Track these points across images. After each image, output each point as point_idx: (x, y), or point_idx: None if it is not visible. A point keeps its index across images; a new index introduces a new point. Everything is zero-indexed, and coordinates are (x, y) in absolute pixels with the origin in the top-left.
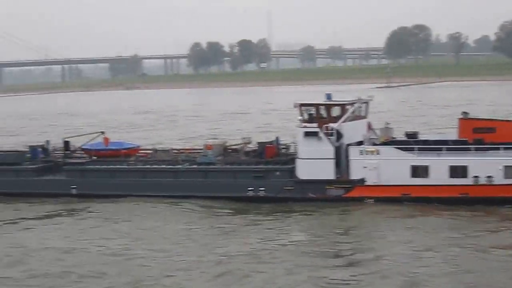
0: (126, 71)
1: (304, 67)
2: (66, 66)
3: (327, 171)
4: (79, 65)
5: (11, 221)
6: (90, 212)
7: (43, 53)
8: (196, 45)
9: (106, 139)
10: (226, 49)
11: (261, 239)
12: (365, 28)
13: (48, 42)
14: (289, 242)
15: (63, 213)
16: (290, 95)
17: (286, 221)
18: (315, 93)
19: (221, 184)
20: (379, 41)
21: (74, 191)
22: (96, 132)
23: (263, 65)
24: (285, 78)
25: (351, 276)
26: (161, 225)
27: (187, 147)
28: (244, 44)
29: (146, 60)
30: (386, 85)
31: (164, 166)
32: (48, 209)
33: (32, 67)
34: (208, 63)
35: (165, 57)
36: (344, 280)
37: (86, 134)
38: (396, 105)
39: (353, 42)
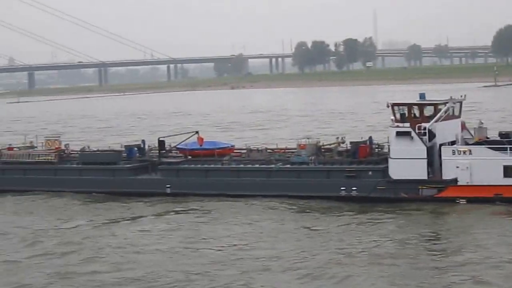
0: (231, 71)
1: (410, 66)
2: (171, 65)
3: (419, 171)
4: (184, 64)
5: (124, 219)
6: (199, 211)
7: (149, 53)
8: (302, 44)
9: (200, 139)
10: (332, 48)
11: (359, 239)
12: (472, 27)
13: (154, 42)
14: (389, 242)
15: (171, 212)
16: (396, 94)
17: (381, 220)
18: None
19: (314, 183)
20: (486, 40)
21: (168, 190)
22: (191, 132)
23: (369, 64)
24: (391, 77)
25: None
26: (277, 225)
27: (281, 147)
28: (350, 43)
29: (251, 60)
30: (493, 84)
31: (257, 166)
32: (157, 208)
33: (137, 67)
34: (313, 62)
35: (270, 57)
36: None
37: (181, 134)
38: (503, 104)
39: (459, 40)
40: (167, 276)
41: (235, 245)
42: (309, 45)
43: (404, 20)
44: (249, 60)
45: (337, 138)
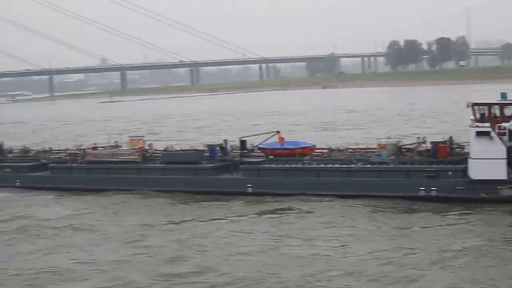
0: (323, 70)
1: (503, 65)
2: (263, 65)
3: (499, 171)
4: (276, 64)
5: (216, 219)
6: (287, 211)
7: (241, 53)
8: (394, 43)
9: (281, 139)
10: (424, 47)
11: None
12: None
13: (246, 42)
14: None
15: (257, 212)
16: (490, 93)
17: (466, 220)
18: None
19: (393, 183)
20: None
21: (249, 190)
22: (272, 132)
23: (462, 63)
24: (484, 76)
25: None
26: (365, 225)
27: (362, 147)
28: (442, 42)
29: (343, 59)
30: None
31: (337, 166)
32: (244, 207)
33: (229, 67)
34: (406, 61)
35: (362, 56)
36: None
37: (262, 134)
38: None
39: None
40: (279, 276)
41: (332, 245)
42: (402, 44)
43: (498, 19)
44: (341, 59)
45: (418, 138)
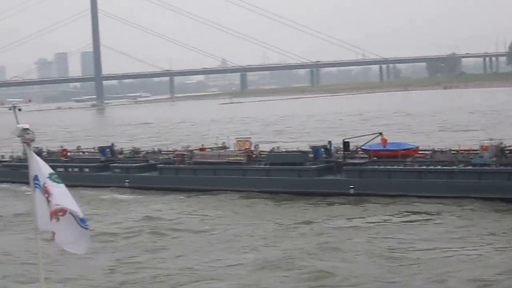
0: (444, 70)
1: None
2: (383, 65)
3: None
4: (396, 64)
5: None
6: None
7: (361, 53)
8: None
9: (384, 140)
10: None
11: None
12: None
13: (366, 42)
14: None
15: (379, 214)
16: None
17: None
18: None
19: (495, 185)
20: None
21: (351, 191)
22: (375, 133)
23: None
24: None
25: None
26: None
27: (465, 148)
28: None
29: (464, 59)
30: None
31: (438, 167)
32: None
33: (349, 67)
34: None
35: (484, 56)
36: None
37: (365, 135)
38: None
39: None
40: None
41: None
42: None
43: None
44: (462, 59)
45: None
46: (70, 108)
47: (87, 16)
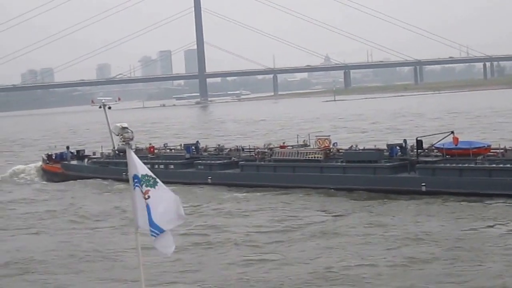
0: None
1: None
2: (487, 63)
3: None
4: (501, 62)
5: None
6: None
7: (464, 51)
8: None
9: (455, 139)
10: None
11: None
12: None
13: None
14: None
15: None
16: None
17: None
18: None
19: None
20: None
21: (423, 189)
22: (446, 132)
23: None
24: None
25: None
26: None
27: None
28: None
29: None
30: None
31: (508, 165)
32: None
33: (453, 65)
34: None
35: None
36: None
37: (437, 134)
38: None
39: None
40: None
41: None
42: None
43: None
44: None
45: None
46: (174, 105)
47: (190, 14)
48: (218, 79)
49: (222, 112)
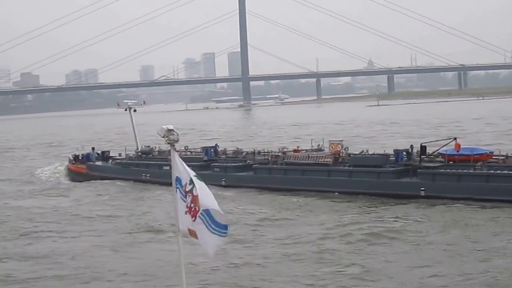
0: None
1: None
2: None
3: None
4: None
5: None
6: None
7: (509, 56)
8: None
9: (457, 145)
10: None
11: None
12: None
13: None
14: None
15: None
16: None
17: None
18: None
19: None
20: None
21: (422, 193)
22: (449, 138)
23: None
24: None
25: None
26: None
27: None
28: None
29: None
30: None
31: (505, 172)
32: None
33: (497, 71)
34: None
35: None
36: None
37: (440, 140)
38: None
39: None
40: None
41: None
42: None
43: None
44: None
45: None
46: (217, 108)
47: (235, 16)
48: (261, 82)
49: (268, 115)
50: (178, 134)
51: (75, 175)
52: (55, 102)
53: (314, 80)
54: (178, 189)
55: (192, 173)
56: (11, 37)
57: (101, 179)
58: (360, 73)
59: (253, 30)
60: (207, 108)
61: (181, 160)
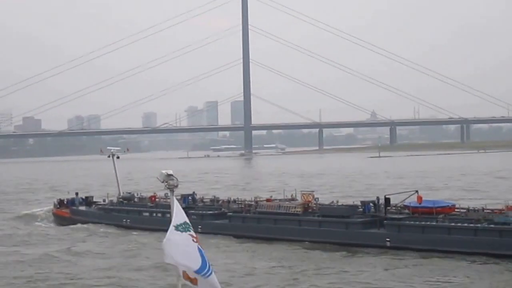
0: None
1: None
2: None
3: None
4: None
5: None
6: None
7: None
8: None
9: (419, 197)
10: None
11: None
12: None
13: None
14: None
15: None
16: None
17: None
18: None
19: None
20: None
21: (388, 244)
22: (411, 191)
23: None
24: None
25: None
26: None
27: (499, 207)
28: None
29: None
30: None
31: (465, 224)
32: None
33: (500, 124)
34: None
35: None
36: None
37: (403, 192)
38: None
39: None
40: None
41: None
42: None
43: None
44: None
45: None
46: (218, 156)
47: (238, 65)
48: (263, 132)
49: (271, 165)
50: (177, 179)
51: (60, 219)
52: (56, 147)
53: (316, 130)
54: (182, 232)
55: (187, 219)
56: (12, 82)
57: (84, 223)
58: (363, 125)
59: (257, 79)
60: (208, 156)
61: (179, 206)
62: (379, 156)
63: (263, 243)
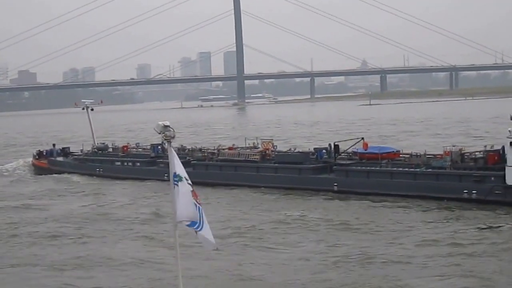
0: None
1: None
2: None
3: None
4: None
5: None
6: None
7: (500, 57)
8: None
9: (365, 144)
10: None
11: None
12: None
13: (505, 45)
14: None
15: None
16: None
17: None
18: None
19: (447, 186)
20: None
21: (335, 188)
22: (357, 138)
23: None
24: None
25: None
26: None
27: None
28: None
29: None
30: None
31: (406, 169)
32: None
33: (488, 71)
34: None
35: None
36: None
37: (350, 140)
38: None
39: None
40: None
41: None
42: None
43: None
44: None
45: (485, 146)
46: (212, 106)
47: (230, 16)
48: (256, 81)
49: (265, 113)
50: (174, 130)
51: (38, 170)
52: (51, 100)
53: (308, 79)
54: (175, 185)
55: (183, 171)
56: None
57: (60, 173)
58: (354, 73)
59: (249, 29)
60: (201, 106)
61: (177, 157)
62: (370, 104)
63: (225, 189)
